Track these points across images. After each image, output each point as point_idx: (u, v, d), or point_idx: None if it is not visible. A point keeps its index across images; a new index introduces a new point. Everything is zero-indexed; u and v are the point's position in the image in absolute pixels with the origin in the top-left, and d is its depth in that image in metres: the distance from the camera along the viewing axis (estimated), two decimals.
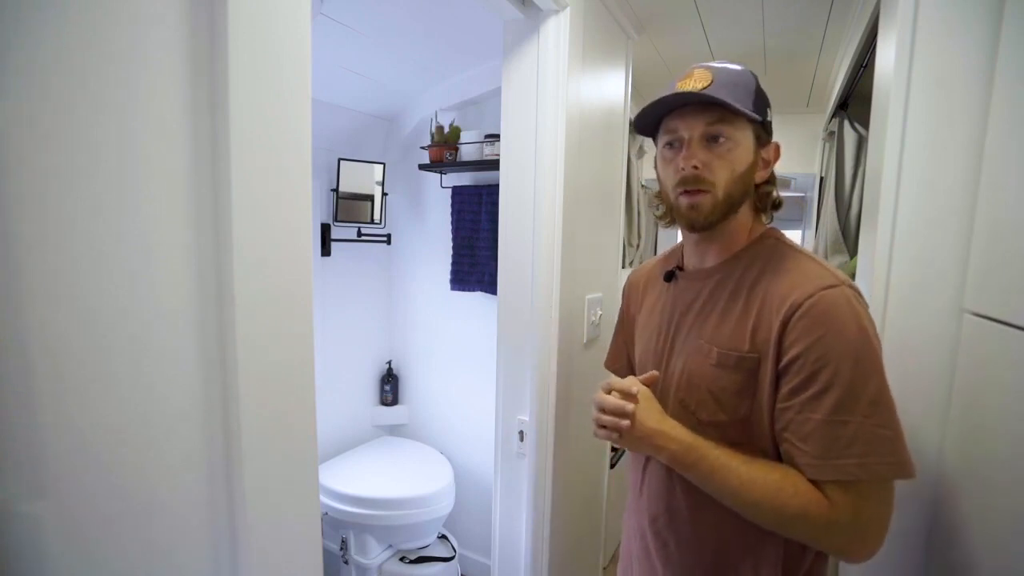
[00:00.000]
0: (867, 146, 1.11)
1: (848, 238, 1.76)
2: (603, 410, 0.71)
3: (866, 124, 1.13)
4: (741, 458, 0.65)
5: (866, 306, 0.64)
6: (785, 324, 0.63)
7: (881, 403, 0.60)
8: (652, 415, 0.70)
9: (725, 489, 0.65)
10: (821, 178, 2.25)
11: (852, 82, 1.66)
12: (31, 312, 0.37)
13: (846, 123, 1.78)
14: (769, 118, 0.72)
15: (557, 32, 1.17)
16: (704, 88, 0.68)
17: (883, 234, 0.87)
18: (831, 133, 1.96)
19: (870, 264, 0.92)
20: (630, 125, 1.77)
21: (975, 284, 0.75)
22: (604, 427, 0.71)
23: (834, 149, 1.86)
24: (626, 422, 0.68)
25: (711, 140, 0.69)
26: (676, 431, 0.68)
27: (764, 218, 0.77)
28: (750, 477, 0.63)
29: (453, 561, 1.89)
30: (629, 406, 0.69)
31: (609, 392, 0.72)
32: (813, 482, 0.62)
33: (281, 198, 0.52)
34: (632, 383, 0.72)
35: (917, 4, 0.82)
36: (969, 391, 0.74)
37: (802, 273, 0.66)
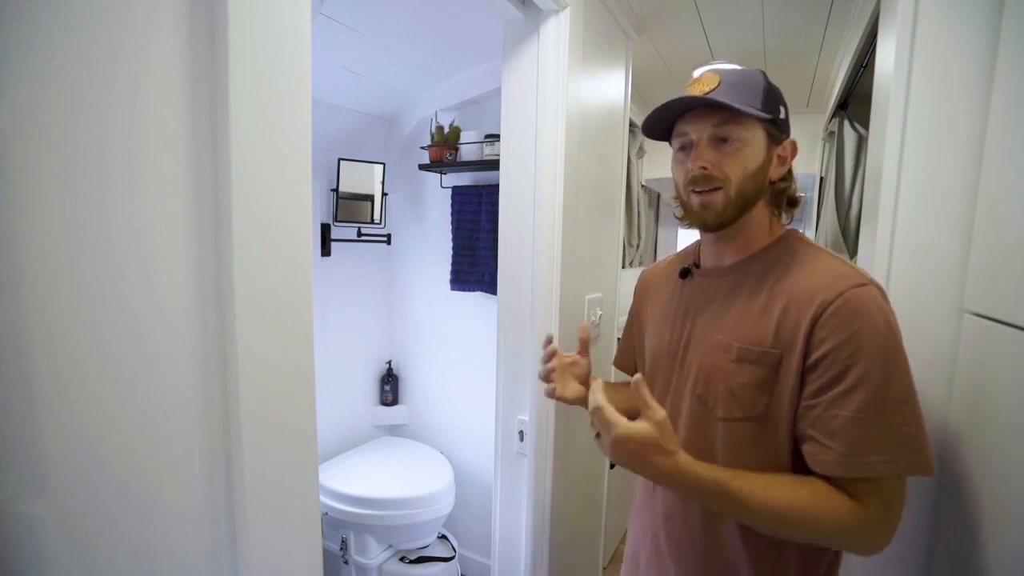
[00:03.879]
0: (867, 146, 1.12)
1: (848, 238, 1.76)
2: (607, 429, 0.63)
3: (866, 124, 1.13)
4: (765, 481, 0.63)
5: (890, 305, 0.65)
6: (815, 321, 0.63)
7: (907, 401, 0.61)
8: (663, 460, 0.62)
9: (755, 518, 0.63)
10: (821, 178, 2.25)
11: (852, 82, 1.66)
12: (31, 312, 0.37)
13: (846, 123, 1.78)
14: (782, 115, 0.72)
15: (557, 32, 1.17)
16: (711, 91, 0.69)
17: (883, 234, 0.87)
18: (831, 133, 1.96)
19: (870, 264, 0.92)
20: (630, 125, 1.77)
21: (975, 284, 0.75)
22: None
23: (834, 149, 1.86)
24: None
25: (720, 141, 0.70)
26: (692, 470, 0.63)
27: (784, 217, 0.78)
28: (778, 501, 0.62)
29: (453, 561, 1.89)
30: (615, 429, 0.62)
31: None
32: (838, 484, 0.62)
33: (281, 198, 0.52)
34: (655, 410, 0.62)
35: (917, 4, 0.82)
36: (970, 391, 0.74)
37: (830, 271, 0.66)
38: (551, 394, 0.92)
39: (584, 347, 0.94)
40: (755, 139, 0.70)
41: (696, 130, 0.71)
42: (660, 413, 0.62)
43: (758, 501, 0.61)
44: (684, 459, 0.63)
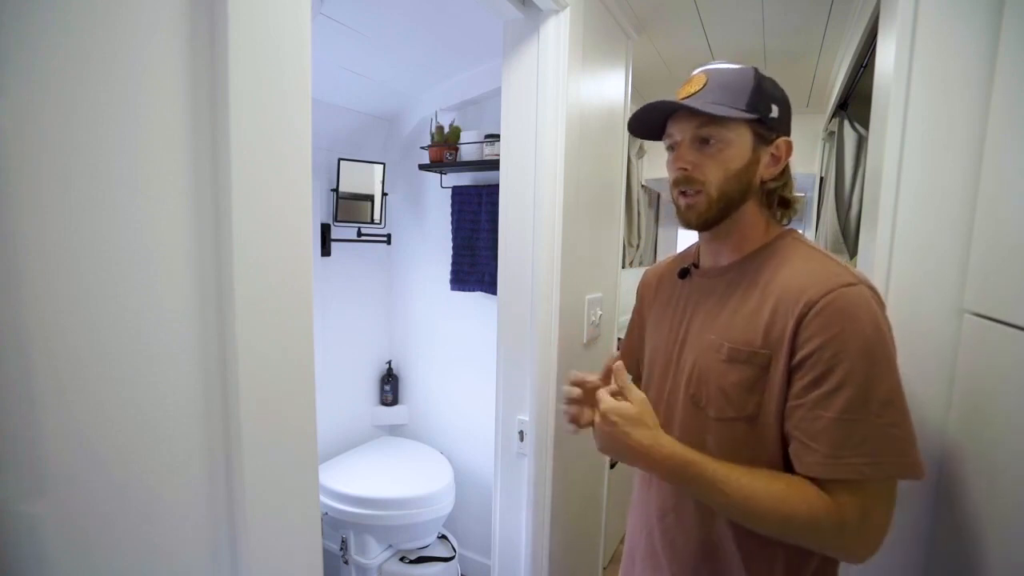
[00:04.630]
0: (867, 146, 1.12)
1: (848, 238, 1.76)
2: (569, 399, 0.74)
3: (866, 124, 1.13)
4: (742, 470, 0.64)
5: (883, 306, 0.64)
6: (800, 320, 0.63)
7: (894, 403, 0.60)
8: (641, 431, 0.67)
9: (727, 502, 0.64)
10: (821, 178, 2.25)
11: (852, 82, 1.66)
12: (31, 312, 0.37)
13: (846, 123, 1.78)
14: (774, 114, 0.72)
15: (557, 32, 1.17)
16: (695, 92, 0.70)
17: (883, 234, 0.87)
18: (831, 133, 1.96)
19: (870, 264, 0.92)
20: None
21: (975, 284, 0.75)
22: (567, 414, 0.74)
23: (834, 149, 1.86)
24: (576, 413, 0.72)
25: (702, 142, 0.71)
26: (668, 448, 0.66)
27: (784, 219, 0.78)
28: (752, 489, 0.62)
29: (453, 561, 1.89)
30: (573, 391, 0.72)
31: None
32: (818, 484, 0.62)
33: (281, 198, 0.52)
34: (633, 394, 0.70)
35: (917, 4, 0.82)
36: (970, 391, 0.74)
37: (820, 270, 0.66)
38: (578, 425, 0.85)
39: (607, 377, 0.83)
40: (739, 140, 0.70)
41: (680, 131, 0.73)
42: (639, 395, 0.69)
43: (733, 486, 0.63)
44: (664, 436, 0.67)
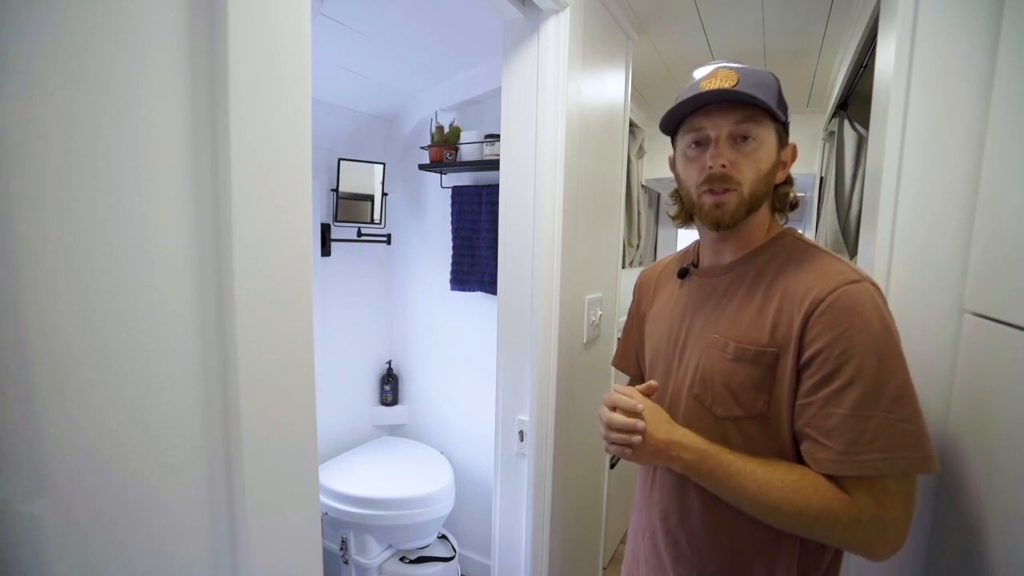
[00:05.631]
0: (867, 146, 1.12)
1: (848, 238, 1.76)
2: (611, 428, 0.70)
3: (866, 124, 1.13)
4: (757, 461, 0.65)
5: (886, 302, 0.64)
6: (807, 318, 0.63)
7: (905, 398, 0.60)
8: (661, 427, 0.69)
9: (742, 493, 0.64)
10: (821, 178, 2.25)
11: (852, 82, 1.66)
12: (31, 312, 0.37)
13: (846, 123, 1.78)
14: (787, 119, 0.73)
15: (557, 32, 1.17)
16: (732, 87, 0.68)
17: (883, 234, 0.87)
18: (831, 133, 1.96)
19: (870, 264, 0.92)
20: (630, 125, 1.77)
21: (975, 284, 0.75)
22: (615, 444, 0.71)
23: (834, 149, 1.86)
24: (637, 438, 0.68)
25: (738, 140, 0.69)
26: (688, 439, 0.68)
27: (781, 219, 0.78)
28: (767, 479, 0.63)
29: (453, 561, 1.89)
30: (639, 423, 0.68)
31: (614, 409, 0.71)
32: (833, 480, 0.62)
33: (281, 198, 0.52)
34: (637, 400, 0.71)
35: (917, 4, 0.82)
36: (969, 391, 0.74)
37: (824, 268, 0.67)
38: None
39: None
40: (769, 140, 0.70)
41: (714, 126, 0.69)
42: (645, 398, 0.73)
43: (749, 477, 0.64)
44: (680, 429, 0.71)
